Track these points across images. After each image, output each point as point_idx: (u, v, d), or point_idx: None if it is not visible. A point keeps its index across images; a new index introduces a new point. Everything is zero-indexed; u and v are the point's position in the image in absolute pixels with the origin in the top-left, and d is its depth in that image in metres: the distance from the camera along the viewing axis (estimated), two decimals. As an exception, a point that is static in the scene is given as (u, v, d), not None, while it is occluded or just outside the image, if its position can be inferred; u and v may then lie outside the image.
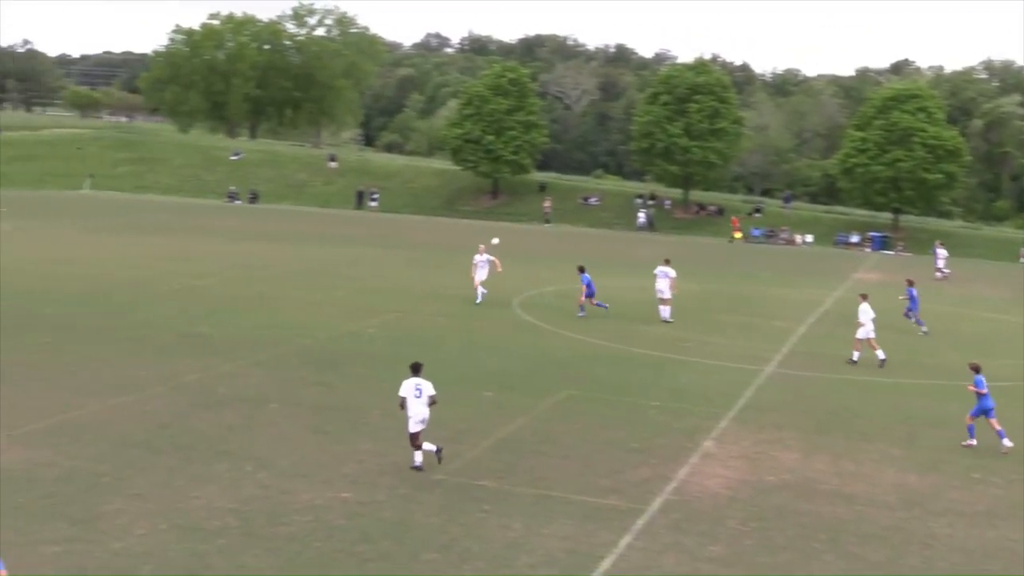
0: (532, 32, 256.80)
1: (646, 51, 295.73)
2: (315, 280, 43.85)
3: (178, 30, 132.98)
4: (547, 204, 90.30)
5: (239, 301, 37.52)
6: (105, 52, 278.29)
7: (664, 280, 38.69)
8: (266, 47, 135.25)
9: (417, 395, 19.44)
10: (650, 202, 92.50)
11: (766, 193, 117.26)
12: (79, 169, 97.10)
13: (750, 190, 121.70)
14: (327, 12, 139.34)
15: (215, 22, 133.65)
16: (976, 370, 23.55)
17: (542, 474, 19.73)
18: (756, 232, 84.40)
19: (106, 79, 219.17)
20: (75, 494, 17.17)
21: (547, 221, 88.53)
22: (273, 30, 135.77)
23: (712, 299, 45.66)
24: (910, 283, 39.74)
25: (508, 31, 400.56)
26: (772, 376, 30.26)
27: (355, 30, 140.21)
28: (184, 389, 24.53)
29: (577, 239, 75.20)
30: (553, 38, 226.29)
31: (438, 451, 19.64)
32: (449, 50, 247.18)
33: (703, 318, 40.09)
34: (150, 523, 16.14)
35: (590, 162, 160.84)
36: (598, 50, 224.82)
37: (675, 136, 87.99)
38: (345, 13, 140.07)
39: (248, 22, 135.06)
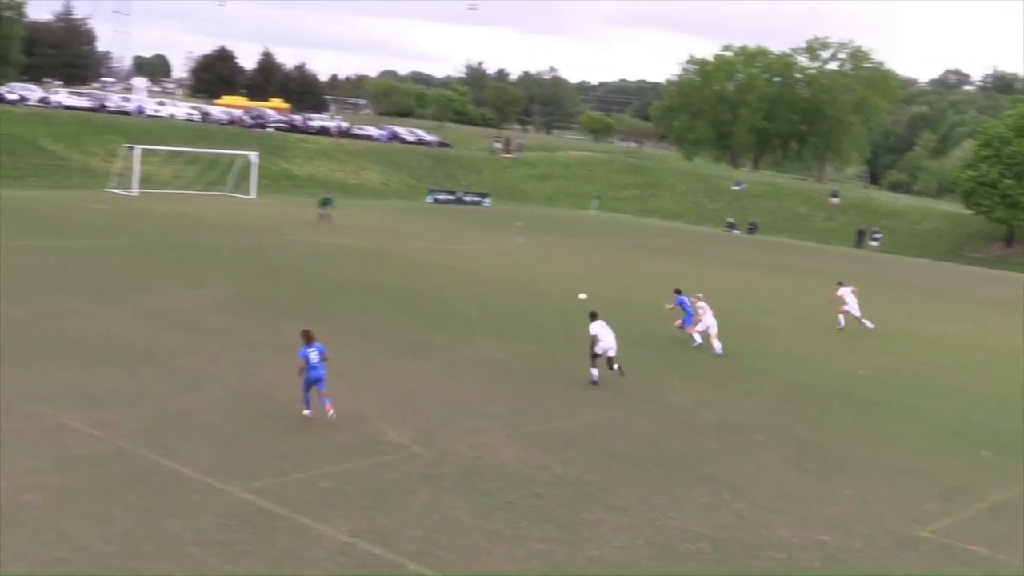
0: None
1: None
2: (808, 315, 43.22)
3: (692, 60, 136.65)
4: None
5: (733, 330, 37.69)
6: (621, 80, 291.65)
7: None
8: (776, 79, 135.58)
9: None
10: None
11: None
12: (588, 190, 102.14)
13: None
14: (841, 46, 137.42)
15: (728, 53, 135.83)
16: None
17: (1041, 548, 18.16)
18: None
19: (620, 106, 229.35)
20: (562, 498, 18.02)
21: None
22: (785, 62, 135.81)
23: None
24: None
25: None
26: None
27: (868, 65, 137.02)
28: (671, 410, 25.05)
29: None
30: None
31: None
32: (969, 88, 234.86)
33: None
34: (628, 536, 16.60)
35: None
36: None
37: None
38: (860, 47, 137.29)
39: (760, 54, 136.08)
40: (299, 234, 52.81)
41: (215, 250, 45.12)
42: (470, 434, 21.19)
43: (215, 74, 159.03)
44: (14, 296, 30.37)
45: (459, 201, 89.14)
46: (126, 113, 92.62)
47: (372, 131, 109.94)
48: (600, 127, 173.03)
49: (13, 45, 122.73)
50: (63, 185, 65.65)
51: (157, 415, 20.29)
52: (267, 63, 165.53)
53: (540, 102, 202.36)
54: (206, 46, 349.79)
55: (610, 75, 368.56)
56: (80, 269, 36.73)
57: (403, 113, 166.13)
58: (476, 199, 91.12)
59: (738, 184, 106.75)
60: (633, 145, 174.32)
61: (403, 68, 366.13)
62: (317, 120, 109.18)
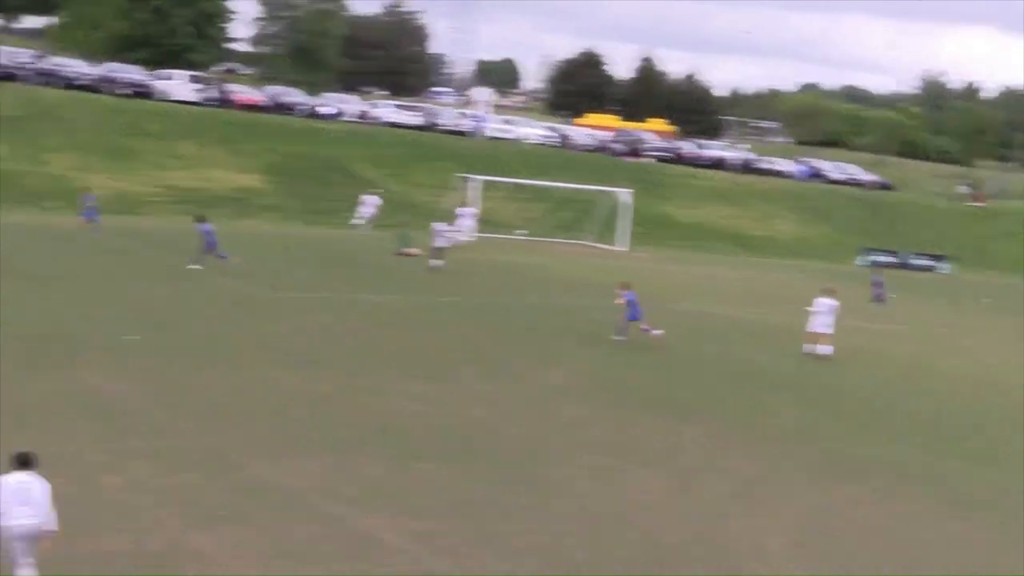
0: None
1: None
2: None
3: None
4: None
5: None
6: None
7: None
8: None
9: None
10: None
11: None
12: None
13: None
14: None
15: None
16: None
17: None
18: None
19: None
20: None
21: None
22: None
23: None
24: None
25: None
26: None
27: None
28: None
29: None
30: None
31: None
32: None
33: None
34: None
35: None
36: None
37: None
38: None
39: None
40: (682, 301, 53.40)
41: (571, 316, 46.38)
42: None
43: (579, 85, 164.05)
44: (319, 365, 32.43)
45: (904, 265, 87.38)
46: (462, 133, 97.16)
47: (785, 166, 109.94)
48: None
49: (331, 46, 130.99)
50: (380, 223, 69.52)
51: (485, 531, 21.01)
52: (647, 72, 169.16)
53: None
54: (569, 48, 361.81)
55: None
56: (398, 333, 38.78)
57: (830, 142, 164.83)
58: (928, 263, 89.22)
59: None
60: None
61: (832, 80, 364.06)
62: (711, 149, 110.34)
